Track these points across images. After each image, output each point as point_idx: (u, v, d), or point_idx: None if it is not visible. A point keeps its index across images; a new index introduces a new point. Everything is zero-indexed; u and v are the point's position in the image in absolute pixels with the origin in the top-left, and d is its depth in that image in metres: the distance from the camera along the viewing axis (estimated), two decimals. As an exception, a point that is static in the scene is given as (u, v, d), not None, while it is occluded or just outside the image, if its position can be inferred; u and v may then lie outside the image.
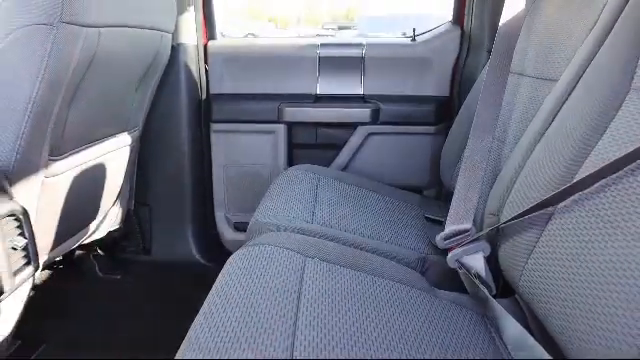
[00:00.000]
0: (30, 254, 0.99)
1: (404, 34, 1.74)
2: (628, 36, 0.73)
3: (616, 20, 0.80)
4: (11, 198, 0.94)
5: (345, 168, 1.69)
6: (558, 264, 0.71)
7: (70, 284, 1.63)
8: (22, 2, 0.91)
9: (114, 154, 1.41)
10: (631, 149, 0.61)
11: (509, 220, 0.85)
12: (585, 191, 0.69)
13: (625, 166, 0.63)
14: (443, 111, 1.61)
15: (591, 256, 0.65)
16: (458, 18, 1.61)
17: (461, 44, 1.59)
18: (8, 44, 0.92)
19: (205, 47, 1.69)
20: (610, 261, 0.61)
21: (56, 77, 0.97)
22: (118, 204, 1.60)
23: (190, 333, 0.65)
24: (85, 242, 1.52)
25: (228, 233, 1.79)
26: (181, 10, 1.54)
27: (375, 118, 1.63)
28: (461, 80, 1.59)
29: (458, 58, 1.60)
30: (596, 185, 0.67)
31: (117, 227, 1.67)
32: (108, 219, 1.58)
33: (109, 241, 1.71)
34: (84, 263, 1.71)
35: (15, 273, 0.95)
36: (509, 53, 1.21)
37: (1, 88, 0.94)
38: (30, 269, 1.00)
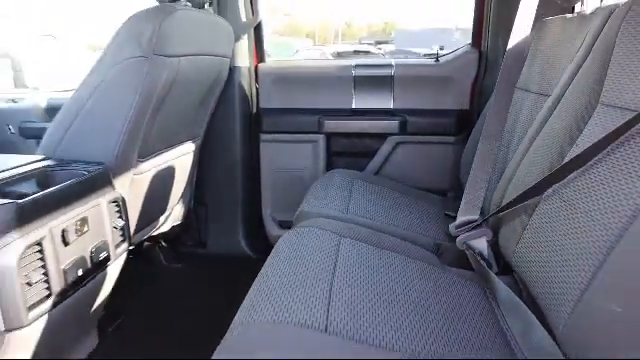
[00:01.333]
0: (125, 233, 1.27)
1: (428, 55, 1.96)
2: (600, 59, 0.93)
3: (593, 45, 1.01)
4: (114, 189, 1.22)
5: (377, 173, 1.92)
6: (538, 247, 0.92)
7: (140, 270, 1.91)
8: (128, 40, 1.20)
9: (181, 159, 1.68)
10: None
11: (500, 209, 1.07)
12: (558, 183, 0.89)
13: (585, 163, 0.83)
14: (463, 122, 1.82)
15: (560, 237, 0.85)
16: (476, 41, 1.82)
17: (479, 64, 1.80)
18: (116, 71, 1.21)
19: (256, 68, 1.96)
20: (573, 239, 0.80)
21: (147, 97, 1.25)
22: (181, 202, 1.87)
23: (246, 299, 0.87)
24: (153, 234, 1.79)
25: (273, 230, 2.03)
26: (237, 38, 1.81)
27: (403, 129, 1.86)
28: (479, 95, 1.80)
29: (476, 76, 1.81)
30: (567, 178, 0.87)
31: (179, 223, 1.94)
32: (173, 215, 1.85)
33: (172, 235, 1.98)
34: (151, 253, 1.99)
35: (116, 246, 1.22)
36: (515, 72, 1.42)
37: (108, 104, 1.22)
38: (125, 245, 1.27)
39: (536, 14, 1.52)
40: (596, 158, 0.82)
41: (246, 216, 2.01)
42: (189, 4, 1.41)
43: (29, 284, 0.92)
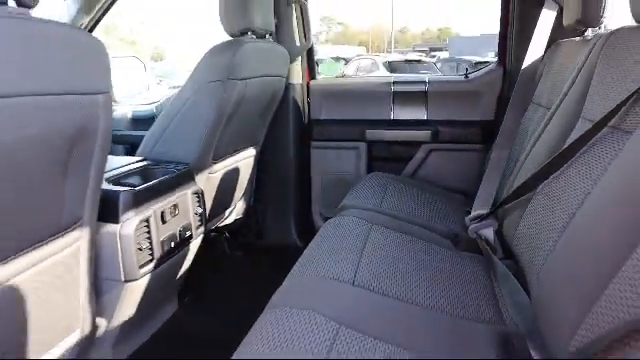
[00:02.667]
0: (202, 219, 1.60)
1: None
2: (585, 78, 1.16)
3: (582, 67, 1.23)
4: (195, 184, 1.56)
5: (411, 176, 2.18)
6: (529, 233, 1.16)
7: (207, 256, 2.26)
8: (209, 67, 1.54)
9: (245, 162, 2.02)
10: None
11: (501, 203, 1.32)
12: (545, 181, 1.13)
13: (559, 167, 1.07)
14: (488, 132, 2.05)
15: (543, 223, 1.08)
16: (501, 59, 2.06)
17: (503, 80, 2.03)
18: (198, 92, 1.55)
19: (308, 85, 2.28)
20: (555, 229, 1.03)
21: (222, 111, 1.58)
22: (243, 199, 2.21)
23: (295, 266, 1.16)
24: (220, 225, 2.13)
25: (320, 223, 2.33)
26: (292, 60, 2.14)
27: (435, 138, 2.12)
28: (503, 108, 2.03)
29: (501, 91, 2.04)
30: (552, 176, 1.11)
31: (240, 217, 2.28)
32: (236, 209, 2.19)
33: (234, 227, 2.31)
34: (217, 242, 2.34)
35: (196, 228, 1.56)
36: (529, 88, 1.66)
37: (192, 118, 1.57)
38: (202, 228, 1.61)
39: (551, 36, 1.76)
40: (567, 163, 1.06)
41: (297, 212, 2.32)
42: (254, 36, 1.74)
43: (140, 249, 1.26)
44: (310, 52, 2.28)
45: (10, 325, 0.97)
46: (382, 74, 10.32)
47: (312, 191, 2.35)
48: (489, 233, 1.41)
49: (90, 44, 0.96)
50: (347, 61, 16.51)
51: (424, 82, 2.15)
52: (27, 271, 0.96)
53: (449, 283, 1.16)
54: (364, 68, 12.02)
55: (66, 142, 0.94)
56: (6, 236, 0.89)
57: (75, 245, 1.09)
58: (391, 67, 10.91)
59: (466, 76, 2.12)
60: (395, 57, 14.26)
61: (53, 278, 1.04)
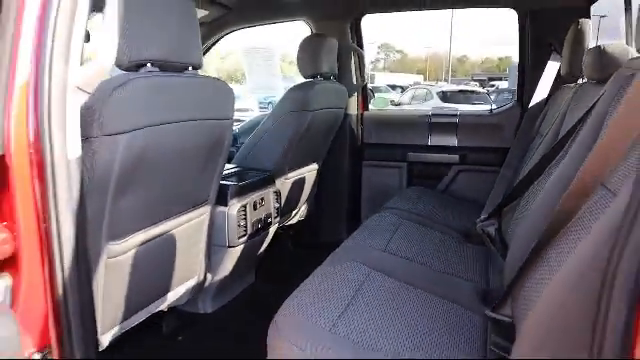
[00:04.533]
0: (278, 213, 2.17)
1: (488, 109, 2.70)
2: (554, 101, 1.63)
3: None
4: (275, 185, 2.14)
5: (443, 192, 2.67)
6: (514, 229, 1.63)
7: (273, 249, 2.81)
8: (290, 101, 2.13)
9: (309, 174, 2.58)
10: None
11: (498, 207, 1.79)
12: (530, 188, 1.61)
13: (532, 181, 1.55)
14: (506, 157, 2.51)
15: (523, 221, 1.56)
16: (519, 99, 2.53)
17: (521, 115, 2.50)
18: (280, 119, 2.14)
19: (362, 115, 2.84)
20: (526, 223, 1.50)
21: (296, 133, 2.16)
22: (306, 204, 2.77)
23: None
24: (286, 224, 2.69)
25: (367, 228, 2.85)
26: (350, 95, 2.70)
27: (463, 161, 2.60)
28: (520, 138, 2.49)
29: (518, 124, 2.50)
30: (529, 189, 1.58)
31: (303, 219, 2.83)
32: (300, 213, 2.75)
33: (297, 227, 2.87)
34: (282, 239, 2.90)
35: (274, 218, 2.13)
36: (533, 123, 2.13)
37: (275, 137, 2.16)
38: (278, 219, 2.18)
39: (554, 83, 2.23)
40: (540, 178, 1.54)
41: (349, 217, 2.86)
42: (322, 78, 2.32)
43: (239, 225, 1.83)
44: (364, 88, 2.84)
45: (167, 261, 1.56)
46: (435, 103, 10.80)
47: (362, 200, 2.88)
48: (492, 230, 1.88)
49: (223, 87, 1.55)
50: (403, 89, 17.09)
51: (456, 115, 2.65)
52: (179, 227, 1.55)
53: (453, 259, 1.65)
54: (419, 97, 12.52)
55: (207, 149, 1.53)
56: (174, 202, 1.48)
57: (202, 217, 1.67)
58: (445, 97, 11.35)
59: (491, 111, 2.61)
60: (450, 87, 14.68)
61: (189, 236, 1.63)
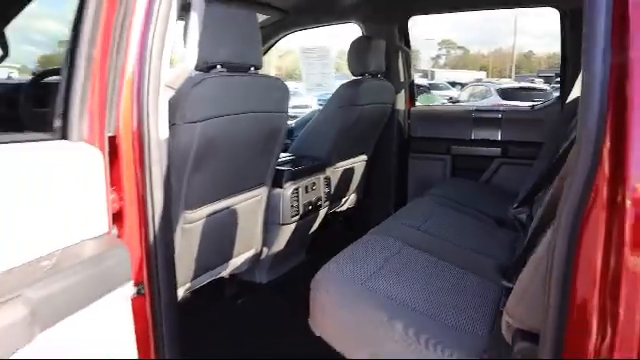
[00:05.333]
0: (328, 197, 2.41)
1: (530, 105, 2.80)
2: None
3: None
4: (325, 173, 2.38)
5: (485, 184, 2.80)
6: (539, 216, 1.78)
7: (324, 233, 3.05)
8: (339, 97, 2.36)
9: (358, 164, 2.80)
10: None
11: (527, 195, 1.94)
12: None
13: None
14: None
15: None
16: (560, 97, 2.63)
17: (560, 111, 2.59)
18: (331, 113, 2.38)
19: (409, 110, 3.02)
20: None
21: (344, 125, 2.38)
22: (355, 193, 2.99)
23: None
24: (337, 210, 2.92)
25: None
26: (397, 92, 2.90)
27: (505, 154, 2.73)
28: (560, 133, 2.59)
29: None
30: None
31: (352, 206, 3.05)
32: (349, 200, 2.97)
33: (347, 214, 3.10)
34: (333, 224, 3.14)
35: (324, 201, 2.37)
36: (569, 117, 2.24)
37: (326, 129, 2.39)
38: (327, 203, 2.42)
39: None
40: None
41: (396, 206, 3.05)
42: (369, 76, 2.53)
43: (292, 206, 2.09)
44: (412, 85, 3.03)
45: (230, 232, 1.83)
46: (495, 100, 10.65)
47: (408, 190, 3.07)
48: (523, 216, 2.03)
49: (279, 84, 1.81)
50: (463, 86, 16.86)
51: (499, 110, 2.78)
52: (240, 203, 1.82)
53: (483, 240, 1.83)
54: (477, 94, 12.35)
55: (264, 137, 1.79)
56: (237, 181, 1.76)
57: (260, 196, 1.94)
58: (504, 94, 11.14)
59: (532, 107, 2.72)
60: (510, 84, 14.38)
61: (248, 212, 1.90)
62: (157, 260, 1.19)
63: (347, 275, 1.34)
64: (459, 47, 54.36)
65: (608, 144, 0.71)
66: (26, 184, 0.81)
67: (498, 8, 2.84)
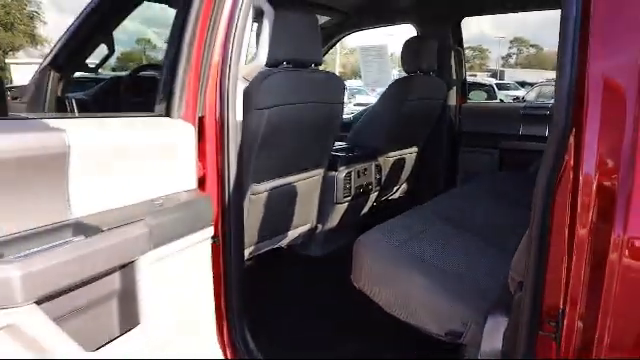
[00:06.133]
0: (379, 182, 2.65)
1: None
2: None
3: None
4: (377, 161, 2.62)
5: (531, 176, 2.93)
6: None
7: (376, 218, 3.29)
8: (392, 92, 2.60)
9: (409, 156, 3.02)
10: None
11: None
12: None
13: None
14: None
15: None
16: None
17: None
18: (384, 107, 2.62)
19: (460, 106, 3.19)
20: None
21: (397, 120, 2.61)
22: (407, 183, 3.21)
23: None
24: (389, 199, 3.15)
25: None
26: (449, 89, 3.08)
27: None
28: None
29: None
30: None
31: (403, 195, 3.28)
32: (400, 189, 3.20)
33: (398, 201, 3.32)
34: (385, 211, 3.37)
35: (375, 186, 2.62)
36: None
37: (379, 121, 2.64)
38: (378, 189, 2.66)
39: None
40: None
41: (440, 191, 3.24)
42: (421, 74, 2.74)
43: (345, 187, 2.36)
44: (464, 83, 3.20)
45: (289, 206, 2.13)
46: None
47: (457, 181, 3.24)
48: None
49: (336, 79, 2.08)
50: (532, 86, 16.40)
51: (547, 107, 2.90)
52: (299, 181, 2.11)
53: (513, 221, 2.00)
54: (545, 94, 12.07)
55: (321, 124, 2.07)
56: (296, 162, 2.05)
57: (317, 177, 2.22)
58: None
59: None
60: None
61: (306, 190, 2.18)
62: (230, 220, 1.48)
63: (386, 238, 1.59)
64: (532, 45, 52.30)
65: (572, 134, 0.91)
66: (145, 145, 1.13)
67: (548, 9, 2.94)
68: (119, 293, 1.06)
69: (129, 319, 1.07)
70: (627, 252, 0.81)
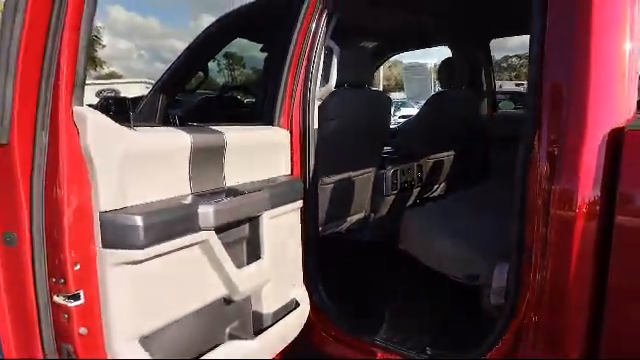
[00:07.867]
0: (420, 181, 3.19)
1: None
2: None
3: None
4: (418, 161, 3.16)
5: None
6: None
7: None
8: (428, 104, 3.15)
9: (446, 159, 3.53)
10: None
11: None
12: None
13: None
14: None
15: None
16: None
17: None
18: (422, 118, 3.17)
19: (491, 115, 3.68)
20: None
21: (433, 127, 3.15)
22: (445, 182, 3.70)
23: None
24: (430, 196, 3.66)
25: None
26: (480, 100, 3.58)
27: None
28: None
29: None
30: None
31: (442, 193, 3.77)
32: (440, 188, 3.70)
33: (436, 199, 3.81)
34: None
35: (417, 182, 3.16)
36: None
37: (418, 131, 3.18)
38: (420, 184, 3.20)
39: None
40: None
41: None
42: (456, 88, 3.27)
43: (392, 182, 2.92)
44: (493, 94, 3.70)
45: (347, 196, 2.70)
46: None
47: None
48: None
49: (383, 96, 2.67)
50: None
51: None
52: (358, 176, 2.68)
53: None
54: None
55: (374, 131, 2.64)
56: (352, 160, 2.63)
57: (370, 173, 2.79)
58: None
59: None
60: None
61: (363, 183, 2.74)
62: (308, 202, 2.06)
63: (426, 212, 2.14)
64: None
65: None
66: (262, 143, 1.75)
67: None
68: (249, 237, 1.66)
69: (253, 255, 1.67)
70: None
